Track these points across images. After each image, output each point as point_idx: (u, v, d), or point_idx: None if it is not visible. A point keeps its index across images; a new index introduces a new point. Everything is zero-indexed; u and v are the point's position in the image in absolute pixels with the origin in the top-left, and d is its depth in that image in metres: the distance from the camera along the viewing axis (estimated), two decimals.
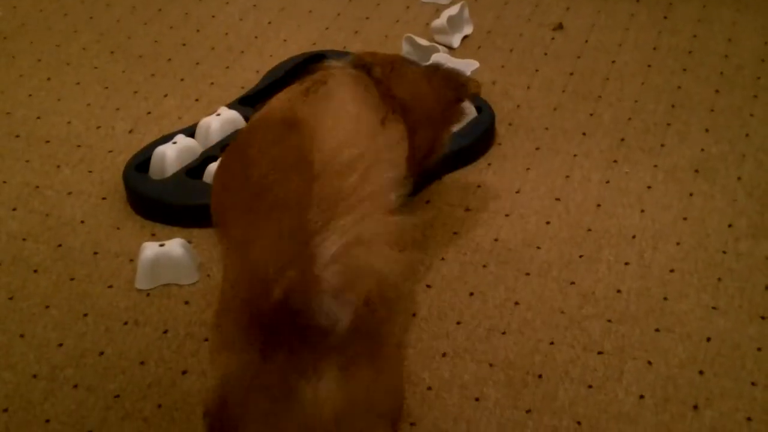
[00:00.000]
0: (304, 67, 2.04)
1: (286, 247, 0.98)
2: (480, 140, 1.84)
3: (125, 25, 2.32)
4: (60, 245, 1.69)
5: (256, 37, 2.25)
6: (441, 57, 2.03)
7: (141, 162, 1.81)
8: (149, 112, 2.02)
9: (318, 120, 1.11)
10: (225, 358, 1.03)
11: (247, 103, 1.95)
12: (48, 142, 1.94)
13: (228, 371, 1.02)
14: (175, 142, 1.80)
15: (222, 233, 1.21)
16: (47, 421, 1.37)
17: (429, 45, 2.05)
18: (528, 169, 1.81)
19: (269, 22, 2.31)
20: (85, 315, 1.55)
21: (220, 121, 1.86)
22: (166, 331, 1.51)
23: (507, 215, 1.70)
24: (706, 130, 1.88)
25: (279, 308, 0.95)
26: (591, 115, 1.94)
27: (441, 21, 2.13)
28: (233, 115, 1.88)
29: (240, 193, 1.15)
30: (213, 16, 2.34)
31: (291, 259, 0.96)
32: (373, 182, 1.04)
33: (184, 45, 2.24)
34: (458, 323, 1.50)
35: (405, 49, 2.07)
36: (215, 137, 1.84)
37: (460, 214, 1.71)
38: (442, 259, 1.62)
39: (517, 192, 1.75)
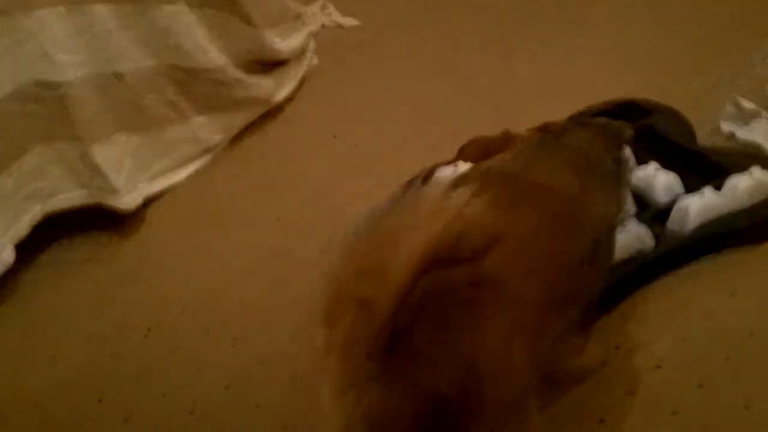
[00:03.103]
0: (609, 115, 1.94)
1: None
2: None
3: None
4: None
5: (580, 90, 2.18)
6: (761, 124, 1.84)
7: None
8: None
9: None
10: None
11: None
12: None
13: None
14: None
15: None
16: None
17: (754, 108, 1.86)
18: None
19: (596, 75, 2.21)
20: None
21: None
22: None
23: None
24: None
25: None
26: None
27: None
28: None
29: None
30: None
31: None
32: None
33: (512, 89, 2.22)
34: None
35: (728, 110, 1.89)
36: None
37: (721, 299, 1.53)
38: None
39: None
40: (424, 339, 0.94)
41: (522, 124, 1.97)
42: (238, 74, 2.04)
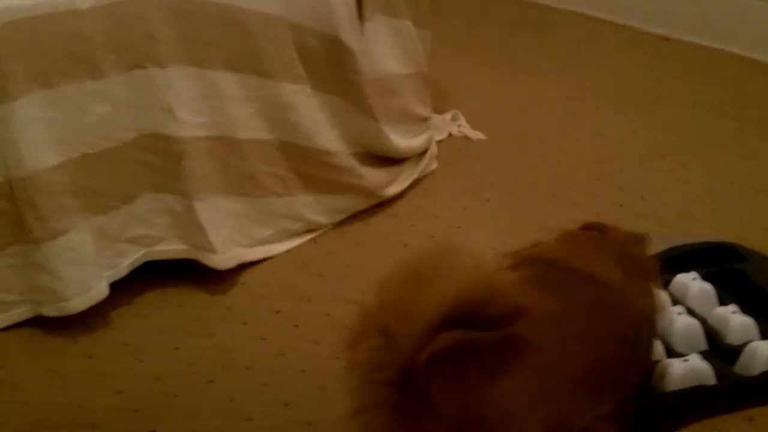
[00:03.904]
0: (705, 253, 1.93)
1: None
2: None
3: None
4: None
5: (690, 218, 2.17)
6: None
7: None
8: None
9: None
10: None
11: None
12: None
13: None
14: None
15: None
16: None
17: None
18: None
19: (713, 209, 2.21)
20: None
21: None
22: None
23: None
24: None
25: None
26: None
27: None
28: None
29: None
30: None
31: None
32: None
33: (620, 206, 2.24)
34: None
35: None
36: None
37: None
38: None
39: None
40: (440, 389, 0.97)
41: None
42: (352, 162, 2.13)
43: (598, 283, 1.23)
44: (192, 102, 1.86)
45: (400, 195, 2.29)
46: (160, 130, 1.83)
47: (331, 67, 2.08)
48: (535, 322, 1.02)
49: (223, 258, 1.91)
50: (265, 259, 2.02)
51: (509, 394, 1.02)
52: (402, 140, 2.33)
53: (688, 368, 1.53)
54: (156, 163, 1.85)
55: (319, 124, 2.06)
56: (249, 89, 1.95)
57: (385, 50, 2.30)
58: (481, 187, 2.34)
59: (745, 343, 1.61)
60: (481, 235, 2.11)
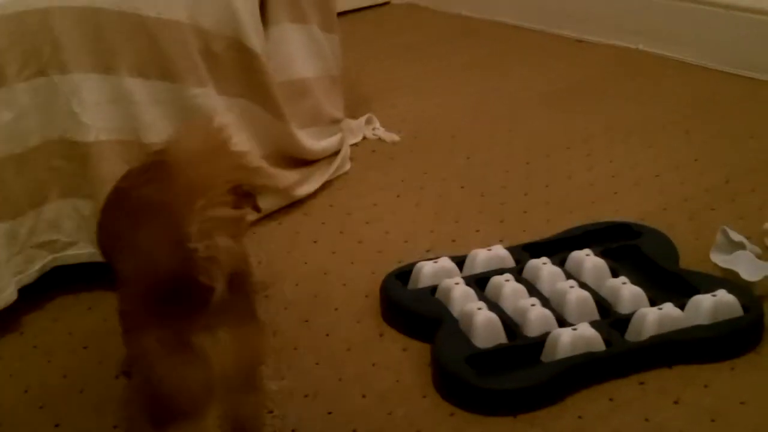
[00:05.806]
0: (602, 233, 2.00)
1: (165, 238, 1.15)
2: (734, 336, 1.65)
3: None
4: None
5: (593, 203, 2.24)
6: (744, 255, 1.87)
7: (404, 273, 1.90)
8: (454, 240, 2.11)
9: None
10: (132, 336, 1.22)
11: (528, 249, 1.95)
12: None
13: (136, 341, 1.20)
14: (436, 262, 1.87)
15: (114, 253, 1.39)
16: None
17: (740, 240, 1.89)
18: None
19: (615, 193, 2.29)
20: None
21: (488, 255, 1.89)
22: None
23: None
24: None
25: (167, 280, 1.13)
26: None
27: None
28: (502, 254, 1.89)
29: (122, 219, 1.38)
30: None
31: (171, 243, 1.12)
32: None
33: (525, 195, 2.31)
34: None
35: (718, 239, 1.93)
36: (478, 268, 1.88)
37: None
38: None
39: None
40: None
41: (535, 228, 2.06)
42: (261, 163, 2.17)
43: None
44: (97, 107, 1.90)
45: (314, 195, 2.33)
46: (66, 135, 1.87)
47: (237, 70, 2.13)
48: None
49: None
50: None
51: None
52: (313, 142, 2.38)
53: (576, 336, 1.59)
54: (63, 167, 1.88)
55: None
56: (155, 93, 1.98)
57: (293, 54, 2.35)
58: (392, 184, 2.40)
59: (635, 311, 1.67)
60: (388, 227, 2.17)
